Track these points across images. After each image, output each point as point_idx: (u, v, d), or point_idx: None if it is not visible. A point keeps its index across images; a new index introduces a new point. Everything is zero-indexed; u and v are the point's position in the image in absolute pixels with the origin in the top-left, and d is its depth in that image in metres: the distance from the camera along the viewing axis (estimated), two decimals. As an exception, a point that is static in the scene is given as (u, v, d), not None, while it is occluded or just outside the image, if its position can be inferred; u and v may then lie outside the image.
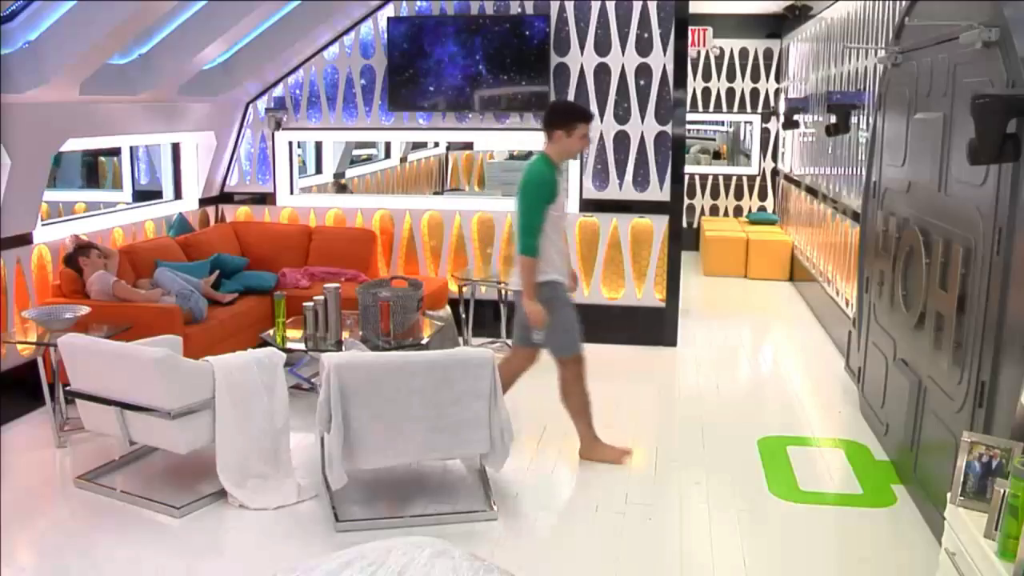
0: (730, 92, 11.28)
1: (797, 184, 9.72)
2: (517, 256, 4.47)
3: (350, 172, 10.22)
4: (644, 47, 6.81)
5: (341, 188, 9.74)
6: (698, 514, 4.18)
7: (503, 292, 6.86)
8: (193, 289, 5.76)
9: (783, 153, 10.96)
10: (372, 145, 11.32)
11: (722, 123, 13.07)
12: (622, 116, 6.92)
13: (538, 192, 4.40)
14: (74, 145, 5.81)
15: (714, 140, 13.48)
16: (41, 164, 5.38)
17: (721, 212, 11.68)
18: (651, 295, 7.06)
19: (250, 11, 5.89)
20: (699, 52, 11.00)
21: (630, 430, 5.25)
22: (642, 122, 6.89)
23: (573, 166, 7.04)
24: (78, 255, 5.50)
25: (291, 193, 7.63)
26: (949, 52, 3.95)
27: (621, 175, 6.98)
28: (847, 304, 6.71)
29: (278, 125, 7.38)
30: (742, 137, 12.18)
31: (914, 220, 4.40)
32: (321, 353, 4.70)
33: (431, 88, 7.02)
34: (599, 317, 7.12)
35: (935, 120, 4.07)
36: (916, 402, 4.22)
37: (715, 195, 11.66)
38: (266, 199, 7.58)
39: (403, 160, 11.77)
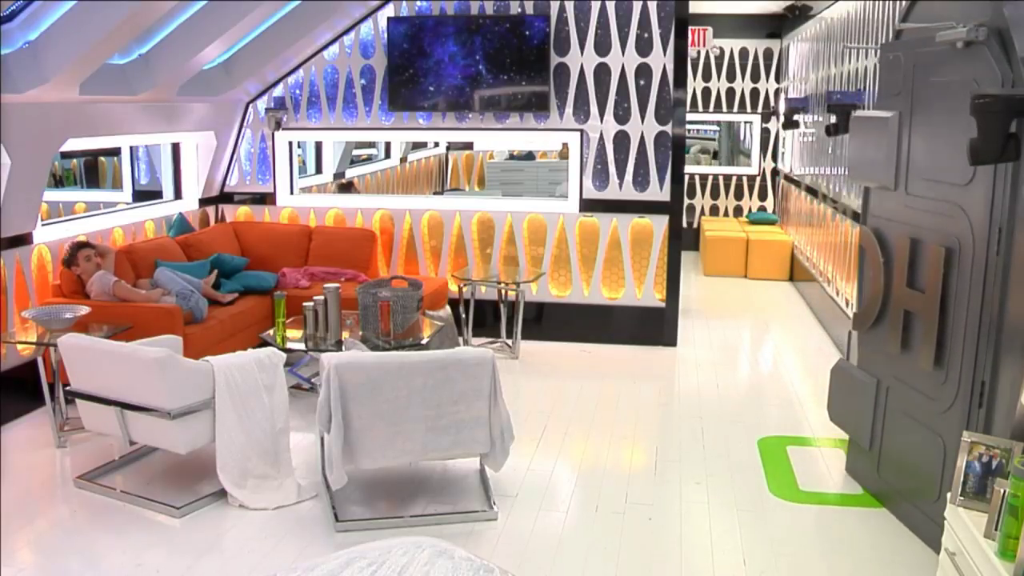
0: (730, 92, 11.28)
1: (797, 184, 9.72)
2: None
3: (350, 172, 10.22)
4: (644, 47, 6.82)
5: (346, 187, 9.72)
6: (698, 514, 4.18)
7: (503, 292, 6.86)
8: (193, 289, 5.75)
9: (783, 153, 10.95)
10: (372, 145, 11.32)
11: (719, 124, 13.05)
12: (622, 116, 6.91)
13: None
14: (74, 145, 5.81)
15: (714, 140, 13.48)
16: (41, 164, 5.38)
17: (721, 212, 11.68)
18: (651, 295, 7.06)
19: (250, 11, 5.89)
20: (699, 52, 11.00)
21: (630, 430, 5.26)
22: (642, 122, 6.89)
23: (573, 166, 7.05)
24: (69, 265, 5.48)
25: (291, 193, 7.63)
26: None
27: (621, 175, 6.98)
28: (847, 304, 6.71)
29: (278, 125, 7.38)
30: (742, 137, 12.17)
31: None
32: (321, 353, 4.70)
33: (431, 88, 7.02)
34: (599, 317, 7.14)
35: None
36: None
37: (715, 195, 11.67)
38: (266, 199, 7.58)
39: (403, 160, 11.78)
